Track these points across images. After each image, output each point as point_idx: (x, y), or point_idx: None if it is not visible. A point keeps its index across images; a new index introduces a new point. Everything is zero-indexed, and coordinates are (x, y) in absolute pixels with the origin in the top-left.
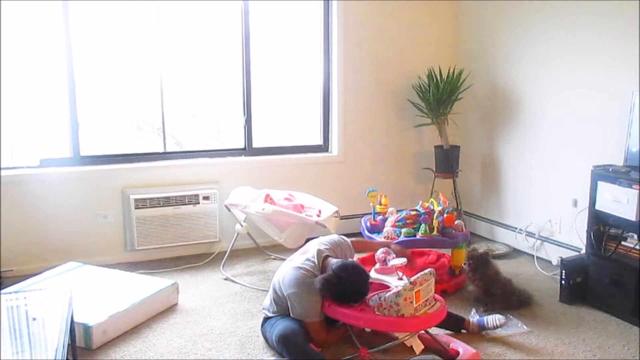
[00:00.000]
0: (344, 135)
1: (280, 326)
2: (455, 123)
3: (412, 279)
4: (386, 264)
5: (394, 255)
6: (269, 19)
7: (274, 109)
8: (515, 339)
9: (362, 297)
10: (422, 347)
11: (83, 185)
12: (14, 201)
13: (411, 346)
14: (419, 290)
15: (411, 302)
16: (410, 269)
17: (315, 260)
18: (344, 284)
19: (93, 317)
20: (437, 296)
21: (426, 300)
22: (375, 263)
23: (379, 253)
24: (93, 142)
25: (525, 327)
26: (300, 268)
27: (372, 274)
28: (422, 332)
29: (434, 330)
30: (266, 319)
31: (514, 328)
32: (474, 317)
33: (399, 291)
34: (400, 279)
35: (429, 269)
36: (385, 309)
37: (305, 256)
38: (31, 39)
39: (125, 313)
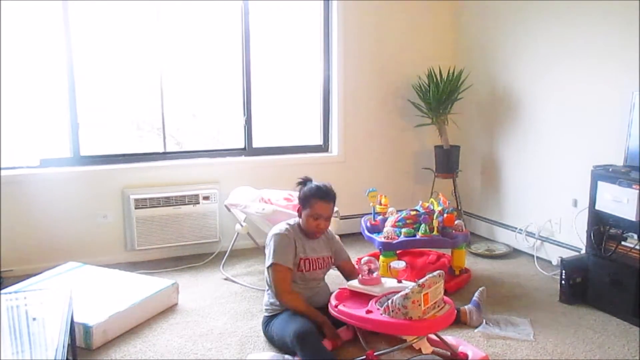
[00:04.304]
0: (344, 135)
1: (296, 324)
2: (455, 123)
3: (421, 281)
4: (371, 274)
5: (378, 266)
6: (269, 19)
7: (274, 109)
8: (515, 339)
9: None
10: (431, 349)
11: (83, 185)
12: (14, 201)
13: (419, 349)
14: (427, 293)
15: (419, 305)
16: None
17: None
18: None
19: (93, 317)
20: (446, 298)
21: (435, 303)
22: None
23: (363, 263)
24: (93, 142)
25: (532, 336)
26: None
27: (355, 284)
28: (434, 335)
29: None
30: (269, 317)
31: (521, 333)
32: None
33: (406, 294)
34: (400, 282)
35: (438, 271)
36: (392, 311)
37: None
38: (31, 39)
39: (125, 313)
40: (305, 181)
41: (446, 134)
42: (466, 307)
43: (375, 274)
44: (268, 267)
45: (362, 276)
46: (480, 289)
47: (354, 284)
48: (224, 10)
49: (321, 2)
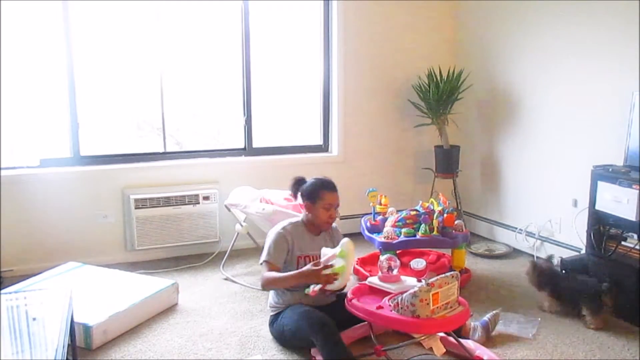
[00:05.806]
0: (344, 135)
1: (315, 316)
2: (455, 123)
3: (430, 280)
4: (391, 271)
5: (399, 264)
6: (269, 19)
7: (274, 109)
8: (515, 339)
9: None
10: (444, 350)
11: (83, 185)
12: (14, 201)
13: (430, 348)
14: (437, 293)
15: (427, 304)
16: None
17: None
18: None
19: (93, 317)
20: (462, 300)
21: (446, 303)
22: (375, 264)
23: (383, 261)
24: (93, 142)
25: (531, 335)
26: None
27: (373, 280)
28: (450, 337)
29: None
30: (275, 315)
31: (522, 331)
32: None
33: (415, 292)
34: (420, 281)
35: (452, 272)
36: (402, 308)
37: None
38: (31, 39)
39: (125, 313)
40: (299, 180)
41: (446, 134)
42: (473, 324)
43: (394, 272)
44: (261, 263)
45: (381, 273)
46: (495, 311)
47: (373, 280)
48: (224, 10)
49: (321, 2)
